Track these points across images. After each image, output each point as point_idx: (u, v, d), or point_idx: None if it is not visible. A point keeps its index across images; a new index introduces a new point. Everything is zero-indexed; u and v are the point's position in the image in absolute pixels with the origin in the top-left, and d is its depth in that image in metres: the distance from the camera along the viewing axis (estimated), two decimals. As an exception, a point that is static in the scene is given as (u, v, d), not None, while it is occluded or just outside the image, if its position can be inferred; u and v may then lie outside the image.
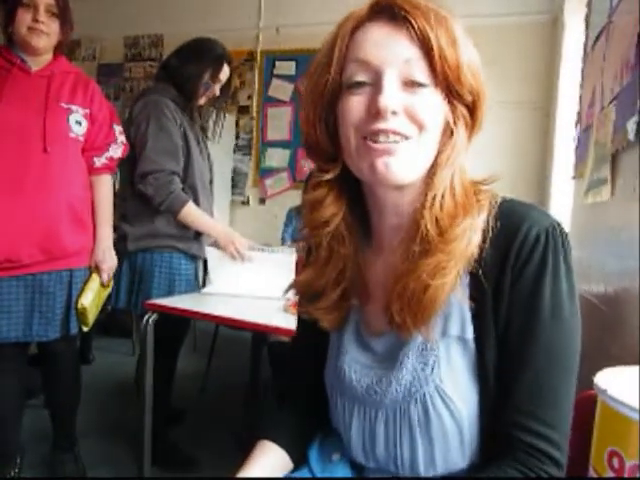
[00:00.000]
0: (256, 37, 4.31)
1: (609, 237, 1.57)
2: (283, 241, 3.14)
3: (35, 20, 1.68)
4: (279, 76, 4.26)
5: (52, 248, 1.73)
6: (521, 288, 0.67)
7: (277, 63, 4.26)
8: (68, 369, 1.95)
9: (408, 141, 0.67)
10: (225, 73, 2.17)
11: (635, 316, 1.26)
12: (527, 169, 3.52)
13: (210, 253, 2.12)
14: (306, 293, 0.82)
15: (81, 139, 1.80)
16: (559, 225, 0.68)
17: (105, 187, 1.92)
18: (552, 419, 0.65)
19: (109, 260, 1.91)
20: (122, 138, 1.95)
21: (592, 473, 0.57)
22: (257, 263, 2.07)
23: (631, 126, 1.26)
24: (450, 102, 0.70)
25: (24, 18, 1.68)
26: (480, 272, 0.68)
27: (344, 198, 0.75)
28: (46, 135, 1.69)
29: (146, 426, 1.86)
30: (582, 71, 2.35)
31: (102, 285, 1.91)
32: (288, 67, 4.20)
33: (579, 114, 2.32)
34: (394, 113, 0.66)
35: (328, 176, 0.74)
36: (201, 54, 2.11)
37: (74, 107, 1.78)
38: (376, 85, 0.67)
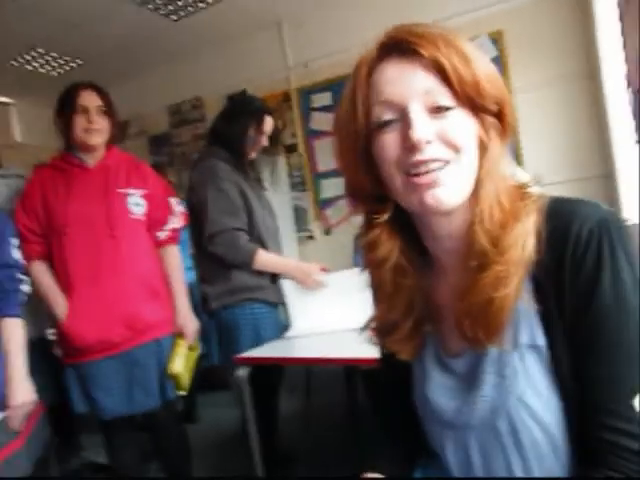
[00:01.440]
0: (287, 77, 4.42)
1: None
2: (355, 267, 3.16)
3: (89, 121, 1.87)
4: (317, 108, 4.34)
5: (136, 324, 1.85)
6: (582, 286, 0.66)
7: (312, 97, 4.34)
8: (172, 434, 2.05)
9: (449, 165, 0.69)
10: (268, 124, 2.25)
11: None
12: (586, 144, 3.38)
13: (287, 287, 2.17)
14: (381, 328, 0.84)
15: (143, 218, 1.94)
16: (612, 215, 0.67)
17: (172, 257, 2.06)
18: (634, 414, 0.64)
19: (190, 324, 2.03)
20: (179, 208, 2.10)
21: None
22: (334, 288, 2.11)
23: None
24: (477, 116, 0.71)
25: (80, 122, 1.87)
26: (540, 276, 0.68)
27: (398, 232, 0.77)
28: (110, 221, 1.85)
29: (258, 474, 1.90)
30: (622, 31, 2.27)
31: (190, 348, 2.01)
32: (324, 98, 4.27)
33: (628, 75, 2.23)
34: (428, 142, 0.68)
35: (383, 218, 0.76)
36: (240, 114, 2.21)
37: (131, 191, 1.93)
38: (404, 120, 0.69)
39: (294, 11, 4.15)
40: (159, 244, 2.02)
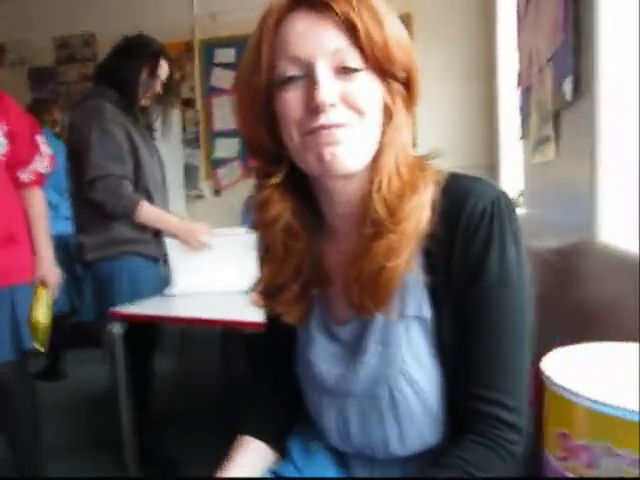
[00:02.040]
0: (191, 27, 4.21)
1: (557, 193, 1.63)
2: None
3: None
4: (219, 64, 4.18)
5: None
6: (470, 261, 0.68)
7: (216, 51, 4.17)
8: (19, 394, 1.85)
9: (349, 128, 0.67)
10: (163, 69, 2.11)
11: (586, 268, 1.31)
12: (476, 134, 3.58)
13: (170, 245, 2.09)
14: (268, 290, 0.82)
15: (2, 158, 1.73)
16: (504, 196, 0.70)
17: (35, 201, 1.87)
18: (506, 385, 0.67)
19: (53, 273, 1.88)
20: (46, 149, 1.89)
21: (546, 452, 0.60)
22: (219, 249, 2.06)
23: (567, 86, 1.29)
24: (385, 81, 0.70)
25: None
26: (432, 249, 0.69)
27: (291, 193, 0.75)
28: None
29: (126, 435, 1.84)
30: (517, 32, 2.39)
31: (49, 300, 1.87)
32: (228, 55, 4.11)
33: (519, 75, 2.36)
34: (332, 105, 0.66)
35: (275, 179, 0.73)
36: (135, 53, 2.05)
37: None
38: (309, 78, 0.66)
39: (206, -43, 3.94)
40: (20, 186, 1.82)
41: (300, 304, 0.80)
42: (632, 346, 0.68)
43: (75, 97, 4.32)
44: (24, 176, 1.82)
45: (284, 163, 0.73)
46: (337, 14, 0.65)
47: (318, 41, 0.66)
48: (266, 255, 0.81)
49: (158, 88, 2.14)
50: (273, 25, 0.68)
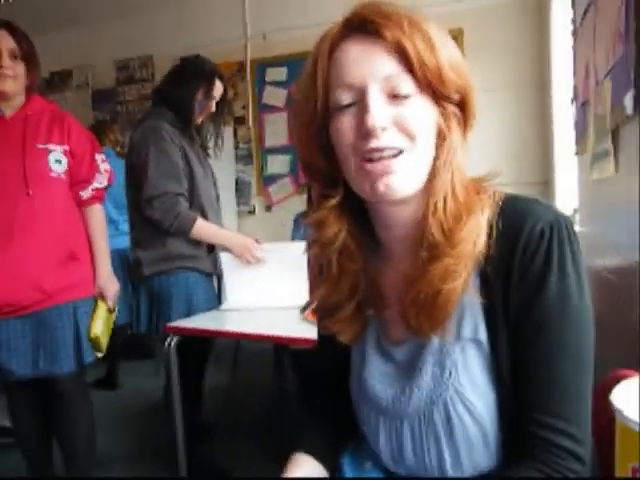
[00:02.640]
0: (244, 46, 4.32)
1: (617, 211, 1.58)
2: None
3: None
4: (271, 83, 4.27)
5: (47, 287, 1.74)
6: (529, 284, 0.67)
7: (268, 70, 4.26)
8: (78, 403, 1.92)
9: (403, 154, 0.68)
10: (218, 89, 2.18)
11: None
12: (529, 150, 3.50)
13: (225, 260, 2.13)
14: (322, 309, 0.83)
15: (63, 177, 1.81)
16: (563, 217, 0.68)
17: (95, 217, 1.95)
18: (569, 413, 0.66)
19: (111, 286, 1.94)
20: (105, 166, 1.97)
21: None
22: (271, 264, 2.09)
23: (628, 101, 1.26)
24: (439, 104, 0.70)
25: None
26: (489, 271, 0.68)
27: (347, 214, 0.75)
28: (27, 179, 1.72)
29: (179, 446, 1.88)
30: (573, 46, 2.34)
31: (109, 311, 1.95)
32: (279, 73, 4.21)
33: (575, 90, 2.31)
34: (384, 129, 0.66)
35: (332, 201, 0.74)
36: (191, 75, 2.12)
37: (51, 146, 1.79)
38: (362, 103, 0.67)
39: (258, -21, 4.04)
40: (82, 203, 1.91)
41: (355, 324, 0.81)
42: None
43: (134, 116, 4.52)
44: (84, 193, 1.90)
45: (340, 186, 0.74)
46: (389, 40, 0.66)
47: (370, 67, 0.67)
48: (321, 274, 0.82)
49: (213, 107, 2.20)
50: (327, 52, 0.70)
